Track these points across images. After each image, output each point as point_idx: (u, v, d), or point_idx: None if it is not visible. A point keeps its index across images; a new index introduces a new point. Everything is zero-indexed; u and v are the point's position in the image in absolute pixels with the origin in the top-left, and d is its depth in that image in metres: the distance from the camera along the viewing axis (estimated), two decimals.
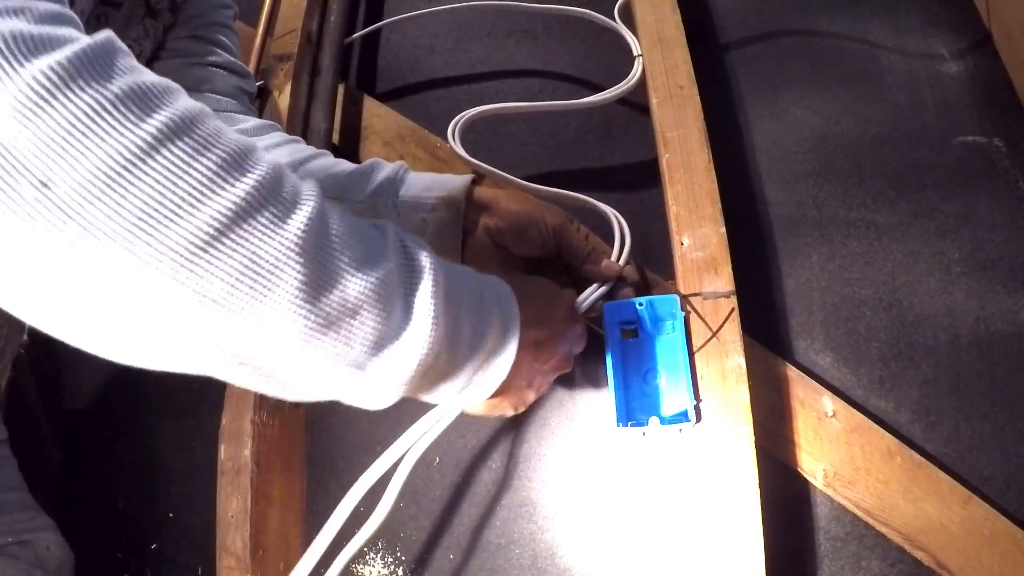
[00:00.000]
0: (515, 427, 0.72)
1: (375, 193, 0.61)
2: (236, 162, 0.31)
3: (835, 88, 0.83)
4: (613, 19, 0.86)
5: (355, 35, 0.97)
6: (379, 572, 0.71)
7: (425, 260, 0.39)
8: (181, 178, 0.29)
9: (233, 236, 0.30)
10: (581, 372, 0.72)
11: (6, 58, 0.27)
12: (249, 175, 0.31)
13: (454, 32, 0.96)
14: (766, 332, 0.70)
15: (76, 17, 0.32)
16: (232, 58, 0.70)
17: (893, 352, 0.69)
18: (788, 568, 0.63)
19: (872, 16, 0.88)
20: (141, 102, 0.29)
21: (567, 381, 0.72)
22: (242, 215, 0.30)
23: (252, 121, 0.67)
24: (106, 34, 0.30)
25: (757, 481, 0.56)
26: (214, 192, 0.30)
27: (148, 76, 0.31)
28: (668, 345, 0.62)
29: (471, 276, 0.45)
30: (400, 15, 0.95)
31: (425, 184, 0.63)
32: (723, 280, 0.62)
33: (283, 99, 0.81)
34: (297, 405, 0.72)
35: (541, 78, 0.89)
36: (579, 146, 0.84)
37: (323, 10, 0.94)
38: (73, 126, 0.27)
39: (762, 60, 0.87)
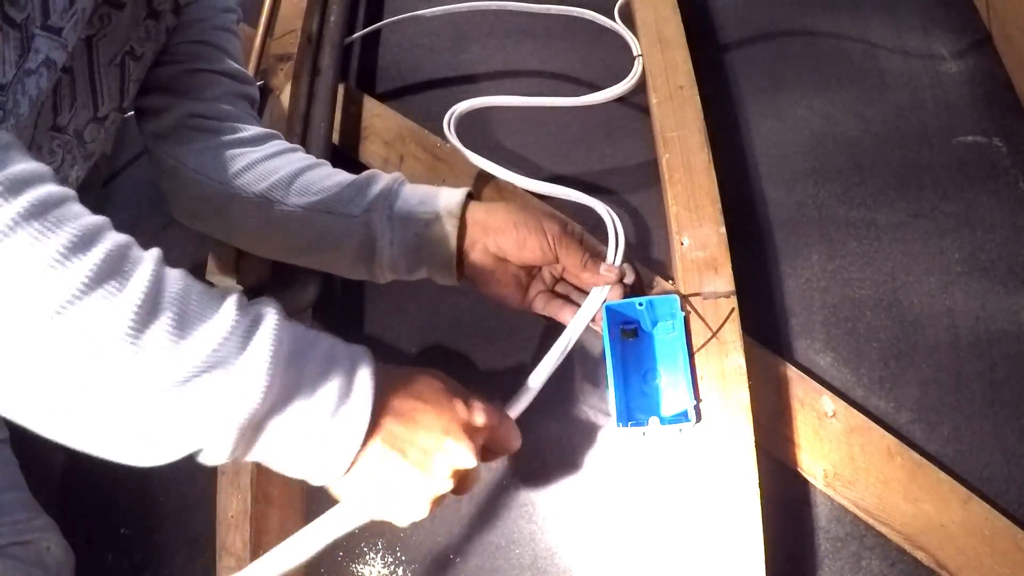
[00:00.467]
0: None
1: (369, 208, 0.62)
2: (82, 240, 0.34)
3: (835, 88, 0.83)
4: (613, 19, 0.86)
5: (355, 35, 0.97)
6: (379, 572, 0.71)
7: (267, 323, 0.40)
8: (25, 262, 0.32)
9: (76, 310, 0.33)
10: (581, 372, 0.72)
11: None
12: (90, 251, 0.34)
13: (454, 32, 0.96)
14: (766, 332, 0.70)
15: None
16: (235, 64, 0.70)
17: (893, 352, 0.69)
18: (788, 568, 0.63)
19: (872, 16, 0.88)
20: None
21: (567, 381, 0.72)
22: (72, 301, 0.33)
23: (253, 130, 0.67)
24: None
25: (757, 481, 0.56)
26: (62, 268, 0.33)
27: (14, 167, 0.34)
28: (668, 345, 0.62)
29: (322, 339, 0.44)
30: (400, 15, 0.95)
31: (420, 198, 0.63)
32: (723, 280, 0.62)
33: (283, 99, 0.81)
34: None
35: (541, 78, 0.89)
36: (579, 146, 0.84)
37: (323, 10, 0.94)
38: None
39: (762, 60, 0.87)
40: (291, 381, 0.40)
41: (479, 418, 0.48)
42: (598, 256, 0.62)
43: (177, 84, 0.65)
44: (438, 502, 0.47)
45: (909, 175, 0.77)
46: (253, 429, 0.39)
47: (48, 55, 0.46)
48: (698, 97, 0.71)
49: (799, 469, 0.64)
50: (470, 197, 0.63)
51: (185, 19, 0.66)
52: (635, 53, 0.81)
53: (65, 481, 0.86)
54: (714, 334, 0.60)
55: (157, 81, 0.65)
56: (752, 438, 0.57)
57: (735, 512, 0.56)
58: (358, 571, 0.71)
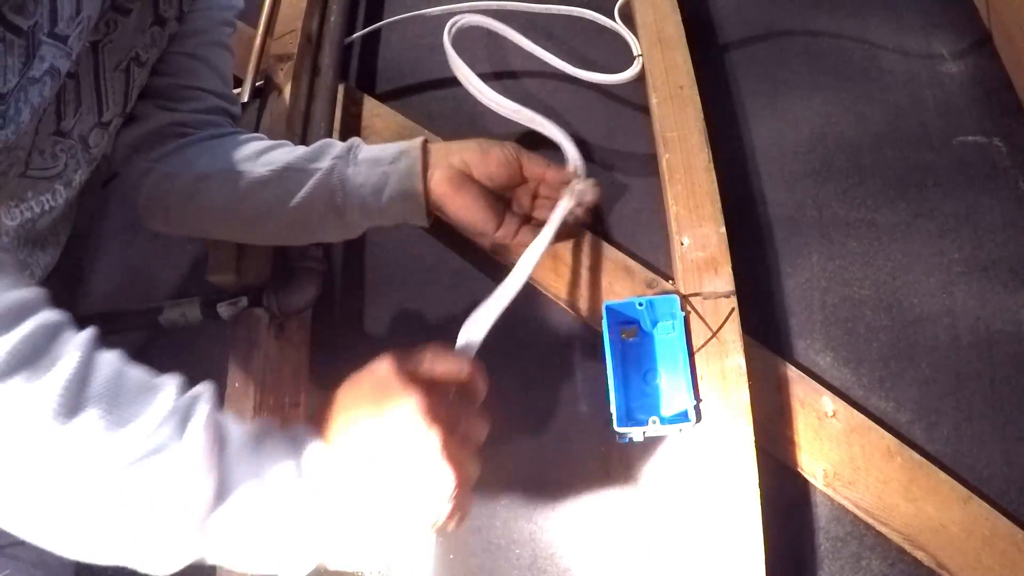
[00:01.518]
0: (515, 427, 0.72)
1: (335, 158, 0.64)
2: (3, 322, 0.33)
3: (835, 88, 0.83)
4: (613, 19, 0.86)
5: (355, 35, 0.97)
6: (379, 572, 0.70)
7: (200, 404, 0.39)
8: None
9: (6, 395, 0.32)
10: (581, 372, 0.72)
11: None
12: (11, 334, 0.33)
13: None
14: (766, 332, 0.70)
15: None
16: (222, 83, 0.72)
17: (893, 352, 0.69)
18: (788, 568, 0.63)
19: (872, 16, 0.88)
20: None
21: (567, 381, 0.72)
22: (2, 374, 0.32)
23: (228, 130, 0.70)
24: None
25: (757, 481, 0.56)
26: None
27: None
28: (668, 345, 0.62)
29: (252, 424, 0.42)
30: (400, 15, 0.95)
31: (380, 147, 0.66)
32: (723, 280, 0.62)
33: (283, 99, 0.81)
34: (297, 404, 0.72)
35: (541, 78, 0.89)
36: (579, 146, 0.84)
37: (323, 10, 0.94)
38: None
39: (762, 60, 0.87)
40: (233, 470, 0.37)
41: (430, 380, 0.44)
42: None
43: (163, 95, 0.67)
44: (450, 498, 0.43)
45: (909, 175, 0.77)
46: (199, 524, 0.36)
47: (53, 63, 0.45)
48: (698, 97, 0.71)
49: (799, 469, 0.64)
50: (425, 143, 0.66)
51: (185, 28, 0.66)
52: (635, 53, 0.81)
53: None
54: (714, 334, 0.60)
55: (144, 90, 0.65)
56: (752, 438, 0.57)
57: (735, 512, 0.56)
58: (358, 571, 0.71)
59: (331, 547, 0.40)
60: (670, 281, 0.66)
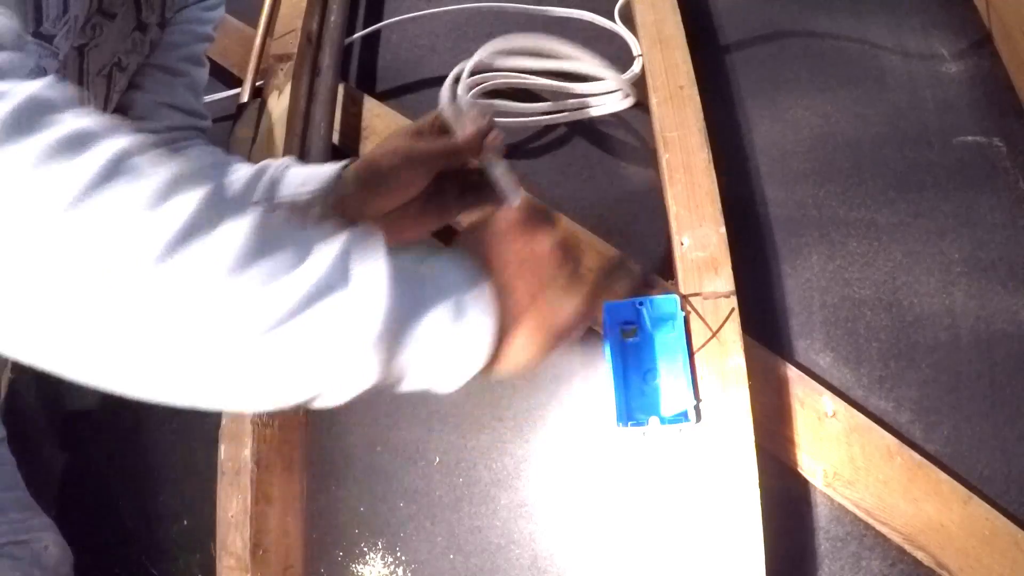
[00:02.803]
0: (515, 427, 0.72)
1: (262, 199, 0.61)
2: (175, 184, 0.32)
3: (835, 88, 0.83)
4: (613, 19, 0.86)
5: (355, 35, 0.97)
6: (379, 572, 0.71)
7: (366, 241, 0.39)
8: (123, 209, 0.31)
9: (177, 255, 0.31)
10: (581, 372, 0.72)
11: None
12: (188, 194, 0.32)
13: (454, 32, 0.96)
14: (766, 332, 0.70)
15: (16, 62, 0.33)
16: (194, 98, 0.71)
17: (893, 352, 0.69)
18: (788, 568, 0.63)
19: (872, 16, 0.88)
20: (72, 149, 0.31)
21: (567, 381, 0.72)
22: (182, 235, 0.32)
23: (187, 143, 0.68)
24: (47, 81, 0.32)
25: (757, 481, 0.56)
26: (153, 217, 0.31)
27: (83, 121, 0.32)
28: (668, 345, 0.62)
29: (412, 250, 0.43)
30: (400, 15, 0.95)
31: (302, 179, 0.62)
32: (723, 280, 0.62)
33: (283, 99, 0.81)
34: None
35: (541, 78, 0.89)
36: (578, 146, 0.84)
37: (323, 10, 0.94)
38: (23, 171, 0.29)
39: (762, 60, 0.87)
40: (406, 292, 0.38)
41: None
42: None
43: (132, 108, 0.66)
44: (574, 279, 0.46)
45: (909, 175, 0.77)
46: (393, 336, 0.37)
47: (38, 63, 0.45)
48: (698, 97, 0.71)
49: (799, 469, 0.64)
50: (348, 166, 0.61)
51: (165, 38, 0.66)
52: (635, 53, 0.81)
53: (65, 481, 0.86)
54: (714, 334, 0.60)
55: (117, 104, 0.65)
56: (752, 438, 0.57)
57: (735, 512, 0.56)
58: (358, 571, 0.71)
59: (486, 360, 0.42)
60: (670, 281, 0.66)
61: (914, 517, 0.61)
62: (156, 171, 0.33)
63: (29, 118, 0.30)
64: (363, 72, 0.96)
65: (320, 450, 0.75)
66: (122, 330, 0.32)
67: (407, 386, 0.40)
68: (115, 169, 0.31)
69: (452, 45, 0.95)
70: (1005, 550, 0.60)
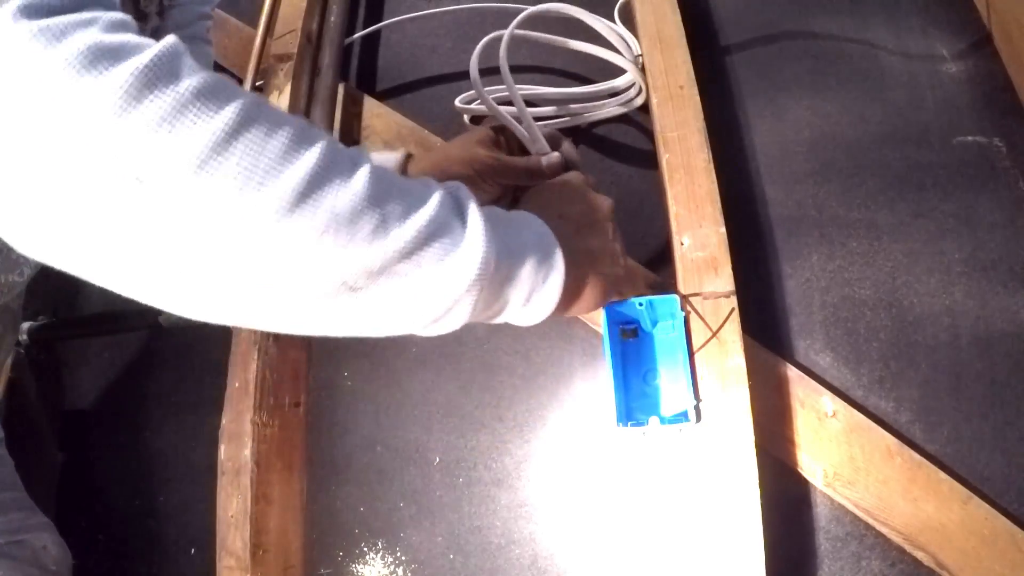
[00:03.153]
0: (515, 427, 0.72)
1: None
2: (302, 136, 0.34)
3: (835, 88, 0.83)
4: (613, 19, 0.86)
5: (355, 35, 0.97)
6: (379, 572, 0.71)
7: (463, 192, 0.42)
8: (259, 157, 0.32)
9: (312, 199, 0.34)
10: (581, 372, 0.72)
11: (91, 67, 0.29)
12: (316, 145, 0.35)
13: (454, 32, 0.96)
14: (766, 332, 0.70)
15: (133, 22, 0.34)
16: None
17: (893, 352, 0.69)
18: (788, 568, 0.63)
19: (872, 16, 0.88)
20: (212, 97, 0.32)
21: (567, 381, 0.72)
22: (316, 181, 0.34)
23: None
24: (172, 40, 0.33)
25: (757, 481, 0.56)
26: (289, 164, 0.33)
27: (210, 74, 0.33)
28: (668, 345, 0.62)
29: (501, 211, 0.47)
30: (400, 15, 0.95)
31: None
32: (723, 280, 0.62)
33: (283, 99, 0.81)
34: (297, 404, 0.72)
35: (541, 76, 0.89)
36: (578, 146, 0.84)
37: (323, 10, 0.94)
38: (159, 125, 0.30)
39: (762, 60, 0.87)
40: (502, 237, 0.42)
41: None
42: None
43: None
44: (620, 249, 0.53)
45: (909, 175, 0.77)
46: (489, 280, 0.41)
47: None
48: (698, 97, 0.71)
49: (799, 469, 0.64)
50: (410, 156, 0.64)
51: (167, 22, 0.65)
52: (635, 53, 0.81)
53: (64, 481, 0.86)
54: (714, 334, 0.60)
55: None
56: (752, 438, 0.57)
57: (735, 512, 0.56)
58: (358, 571, 0.71)
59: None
60: (670, 281, 0.66)
61: (914, 517, 0.61)
62: (287, 120, 0.34)
63: (166, 68, 0.31)
64: (363, 72, 0.96)
65: (320, 450, 0.75)
66: (256, 277, 0.34)
67: (497, 320, 0.45)
68: (247, 120, 0.33)
69: (452, 45, 0.95)
70: (1005, 550, 0.60)
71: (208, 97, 0.32)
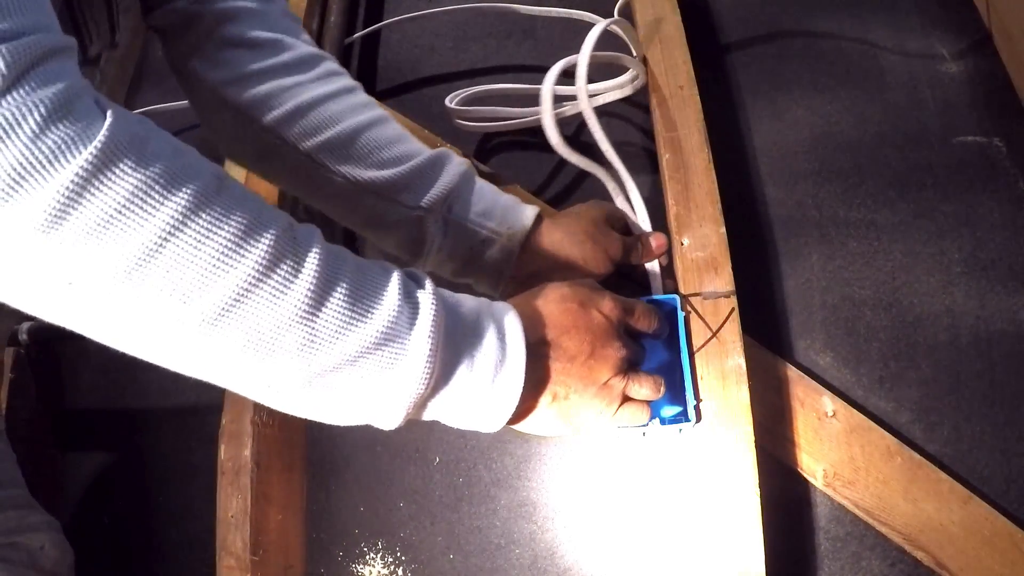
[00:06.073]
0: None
1: (427, 204, 0.57)
2: (246, 235, 0.33)
3: (835, 88, 0.83)
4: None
5: (355, 35, 0.97)
6: (379, 572, 0.71)
7: (424, 299, 0.40)
8: (187, 268, 0.32)
9: (235, 316, 0.33)
10: None
11: (14, 190, 0.28)
12: (256, 247, 0.33)
13: (454, 32, 0.96)
14: (766, 332, 0.70)
15: (74, 45, 0.33)
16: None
17: (893, 352, 0.69)
18: (788, 568, 0.63)
19: (872, 16, 0.88)
20: (149, 196, 0.31)
21: None
22: (243, 295, 0.33)
23: (300, 48, 0.59)
24: (118, 128, 0.31)
25: (757, 481, 0.56)
26: (218, 276, 0.32)
27: (161, 160, 0.32)
28: (668, 345, 0.62)
29: (467, 305, 0.44)
30: (400, 15, 0.95)
31: (484, 206, 0.59)
32: (723, 280, 0.62)
33: None
34: None
35: (541, 76, 0.89)
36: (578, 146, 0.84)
37: (323, 10, 0.94)
38: (88, 236, 0.30)
39: (762, 60, 0.87)
40: (450, 358, 0.40)
41: (614, 313, 0.49)
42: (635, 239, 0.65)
43: (224, 25, 0.56)
44: (623, 399, 0.48)
45: (909, 175, 0.77)
46: (419, 405, 0.40)
47: None
48: (698, 97, 0.71)
49: (799, 469, 0.64)
50: (539, 219, 0.61)
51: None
52: (635, 53, 0.81)
53: (65, 481, 0.86)
54: (714, 334, 0.60)
55: (174, 21, 0.56)
56: (752, 438, 0.57)
57: (735, 512, 0.56)
58: (358, 571, 0.71)
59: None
60: (670, 281, 0.66)
61: (914, 517, 0.61)
62: (228, 219, 0.33)
63: (105, 171, 0.30)
64: (363, 72, 0.96)
65: (320, 450, 0.75)
66: (185, 368, 0.36)
67: (441, 420, 0.43)
68: (185, 220, 0.32)
69: (452, 45, 0.95)
70: (1005, 550, 0.60)
71: (145, 197, 0.30)
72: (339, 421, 0.40)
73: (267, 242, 0.34)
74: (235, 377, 0.36)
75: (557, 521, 0.68)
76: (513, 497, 0.70)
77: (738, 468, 0.57)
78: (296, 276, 0.34)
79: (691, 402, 0.58)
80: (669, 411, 0.61)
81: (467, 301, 0.44)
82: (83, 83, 0.32)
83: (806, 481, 0.64)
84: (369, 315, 0.37)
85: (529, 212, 0.61)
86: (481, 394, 0.41)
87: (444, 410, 0.42)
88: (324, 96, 0.57)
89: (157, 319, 0.32)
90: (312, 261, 0.35)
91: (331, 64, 0.60)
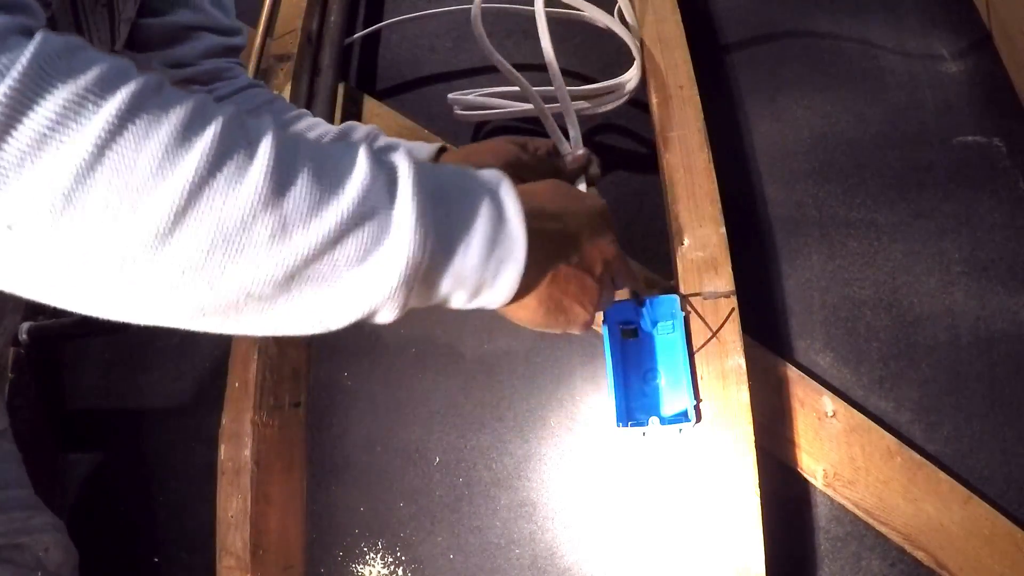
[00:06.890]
0: (515, 427, 0.72)
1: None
2: (188, 127, 0.31)
3: (835, 88, 0.83)
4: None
5: (355, 35, 0.97)
6: (379, 572, 0.71)
7: (399, 161, 0.37)
8: (131, 174, 0.29)
9: (192, 215, 0.30)
10: (581, 372, 0.72)
11: None
12: (201, 138, 0.31)
13: (454, 32, 0.96)
14: (766, 332, 0.70)
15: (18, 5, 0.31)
16: (218, 13, 0.66)
17: (893, 352, 0.69)
18: (788, 568, 0.63)
19: (872, 16, 0.88)
20: (80, 107, 0.29)
21: (567, 380, 0.72)
22: (197, 189, 0.30)
23: (233, 85, 0.65)
24: (40, 39, 0.29)
25: (757, 481, 0.56)
26: (166, 174, 0.30)
27: (88, 69, 0.30)
28: (668, 345, 0.62)
29: (448, 167, 0.41)
30: (400, 15, 0.95)
31: (387, 143, 0.61)
32: (723, 280, 0.62)
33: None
34: (297, 404, 0.72)
35: (542, 76, 0.89)
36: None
37: (323, 10, 0.94)
38: (20, 164, 0.27)
39: (762, 60, 0.87)
40: (442, 219, 0.37)
41: (601, 205, 0.49)
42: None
43: (154, 40, 0.61)
44: (596, 304, 0.47)
45: (909, 175, 0.77)
46: (419, 280, 0.37)
47: None
48: (698, 97, 0.71)
49: (799, 469, 0.64)
50: (443, 150, 0.63)
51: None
52: (635, 53, 0.81)
53: (65, 481, 0.86)
54: (714, 334, 0.60)
55: (133, 35, 0.59)
56: (752, 438, 0.57)
57: (735, 512, 0.56)
58: (358, 571, 0.71)
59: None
60: (670, 281, 0.66)
61: (914, 517, 0.61)
62: (165, 115, 0.30)
63: (30, 91, 0.28)
64: (363, 72, 0.96)
65: (320, 450, 0.75)
66: (149, 299, 0.32)
67: (441, 304, 0.41)
68: (120, 124, 0.29)
69: (452, 45, 0.95)
70: (1005, 550, 0.60)
71: (77, 108, 0.28)
72: (336, 321, 0.36)
73: (214, 130, 0.31)
74: (208, 292, 0.32)
75: (557, 521, 0.68)
76: (513, 497, 0.70)
77: (738, 468, 0.57)
78: (251, 160, 0.32)
79: (691, 402, 0.58)
80: (669, 411, 0.61)
81: (448, 165, 0.41)
82: (7, 20, 0.29)
83: (806, 481, 0.64)
84: (340, 187, 0.34)
85: (432, 145, 0.63)
86: (483, 257, 0.39)
87: (447, 283, 0.38)
88: (248, 110, 0.62)
89: (107, 246, 0.29)
90: (266, 144, 0.32)
91: (260, 89, 0.67)
